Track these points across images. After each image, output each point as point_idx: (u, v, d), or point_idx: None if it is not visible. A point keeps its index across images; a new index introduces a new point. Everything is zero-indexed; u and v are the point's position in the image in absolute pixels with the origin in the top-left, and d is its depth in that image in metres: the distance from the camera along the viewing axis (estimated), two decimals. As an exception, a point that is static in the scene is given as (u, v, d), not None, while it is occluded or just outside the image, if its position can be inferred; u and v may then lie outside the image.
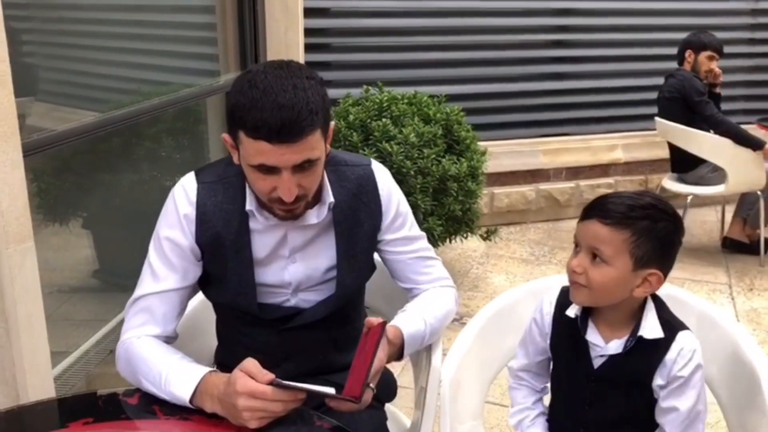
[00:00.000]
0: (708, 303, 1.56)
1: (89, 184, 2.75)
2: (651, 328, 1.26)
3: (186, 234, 1.34)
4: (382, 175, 1.47)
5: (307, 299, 1.44)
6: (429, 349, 1.51)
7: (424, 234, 1.56)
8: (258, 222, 1.36)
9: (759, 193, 3.88)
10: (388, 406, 1.64)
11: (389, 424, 1.53)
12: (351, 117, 3.15)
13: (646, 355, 1.26)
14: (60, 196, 2.66)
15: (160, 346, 1.32)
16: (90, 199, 2.76)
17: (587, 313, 1.31)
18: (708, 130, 3.85)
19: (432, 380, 1.44)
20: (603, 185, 4.77)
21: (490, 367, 1.62)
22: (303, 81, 1.21)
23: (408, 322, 1.41)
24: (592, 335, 1.30)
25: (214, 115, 3.22)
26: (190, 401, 1.18)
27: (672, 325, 1.27)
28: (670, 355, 1.24)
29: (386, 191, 1.45)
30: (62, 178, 2.65)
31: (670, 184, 4.17)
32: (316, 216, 1.37)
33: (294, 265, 1.41)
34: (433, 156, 3.07)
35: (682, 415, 1.24)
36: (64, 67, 2.67)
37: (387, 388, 1.55)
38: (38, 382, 1.49)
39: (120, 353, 1.33)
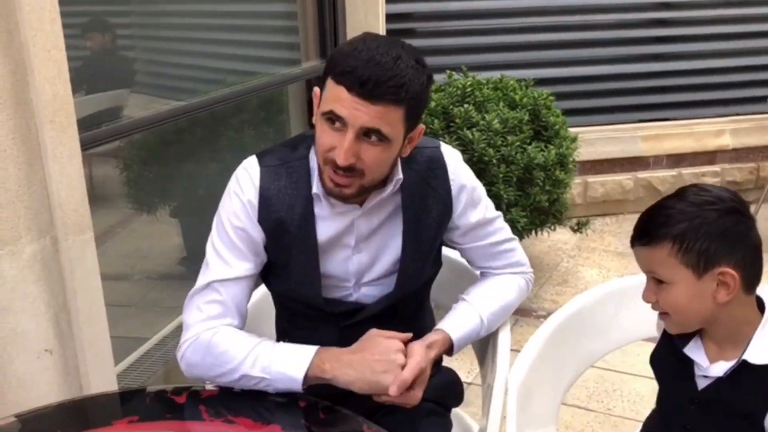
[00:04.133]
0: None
1: (177, 174, 2.82)
2: (761, 352, 1.08)
3: (251, 218, 1.30)
4: (453, 158, 1.38)
5: (370, 294, 1.38)
6: (495, 347, 1.40)
7: (500, 214, 1.47)
8: (323, 208, 1.31)
9: None
10: (456, 411, 1.55)
11: (455, 430, 1.44)
12: (433, 103, 3.04)
13: (754, 386, 1.09)
14: (149, 186, 2.73)
15: (246, 334, 1.29)
16: (177, 188, 2.83)
17: None
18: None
19: (498, 385, 1.33)
20: (708, 173, 4.44)
21: (567, 369, 1.49)
22: (410, 59, 1.18)
23: (460, 321, 1.36)
24: (695, 352, 1.16)
25: (294, 104, 3.21)
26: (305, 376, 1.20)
27: None
28: None
29: (456, 174, 1.37)
30: (151, 168, 2.72)
31: (785, 171, 3.83)
32: (381, 193, 1.30)
33: (358, 255, 1.35)
34: (518, 143, 2.92)
35: None
36: (154, 58, 2.74)
37: (451, 393, 1.46)
38: (101, 373, 1.49)
39: (194, 346, 1.27)
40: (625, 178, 4.37)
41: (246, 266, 1.31)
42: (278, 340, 1.49)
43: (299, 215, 1.29)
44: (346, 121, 1.17)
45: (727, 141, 4.47)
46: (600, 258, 3.77)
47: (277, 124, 3.24)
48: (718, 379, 1.11)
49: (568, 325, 1.46)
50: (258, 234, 1.30)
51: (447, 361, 1.44)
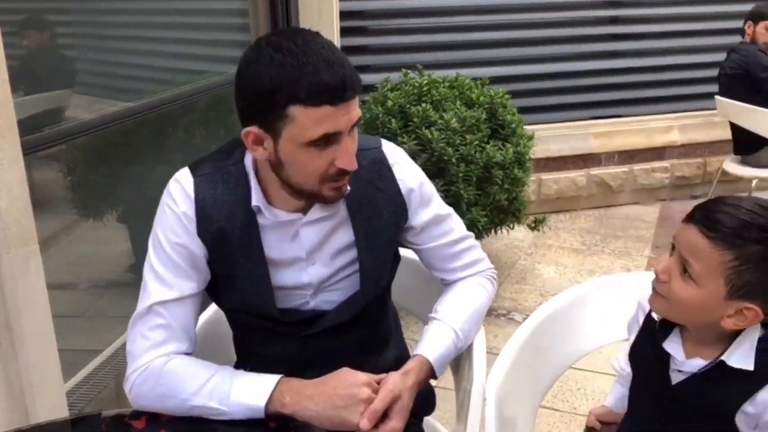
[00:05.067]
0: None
1: (124, 177, 2.71)
2: (740, 356, 1.05)
3: (189, 232, 1.21)
4: (396, 157, 1.32)
5: (329, 300, 1.30)
6: (470, 353, 1.36)
7: (452, 210, 1.42)
8: (266, 218, 1.23)
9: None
10: (427, 420, 1.49)
11: (428, 441, 1.38)
12: (389, 103, 2.99)
13: (728, 385, 1.06)
14: (95, 190, 2.61)
15: (200, 362, 1.21)
16: (125, 191, 2.72)
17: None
18: (774, 109, 3.59)
19: (476, 392, 1.29)
20: (658, 169, 4.52)
21: (544, 374, 1.45)
22: (323, 40, 1.11)
23: (435, 341, 1.30)
24: (673, 346, 1.12)
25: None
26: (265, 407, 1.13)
27: None
28: (765, 396, 1.03)
29: (402, 174, 1.31)
30: (96, 171, 2.60)
31: (732, 167, 3.93)
32: (324, 206, 1.23)
33: (313, 267, 1.27)
34: (477, 142, 2.89)
35: None
36: (98, 57, 2.62)
37: (424, 402, 1.40)
38: (48, 394, 1.38)
39: (143, 377, 1.17)
40: (578, 175, 4.40)
41: (189, 285, 1.22)
42: (238, 359, 1.41)
43: (241, 222, 1.21)
44: (341, 130, 1.11)
45: (675, 137, 4.55)
46: (556, 255, 3.78)
47: (228, 124, 3.15)
48: (693, 375, 1.09)
49: (544, 329, 1.42)
50: (198, 248, 1.21)
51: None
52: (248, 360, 1.36)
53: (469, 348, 1.38)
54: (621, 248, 3.86)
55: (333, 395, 1.14)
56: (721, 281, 1.01)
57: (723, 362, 1.05)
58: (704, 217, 1.02)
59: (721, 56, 3.91)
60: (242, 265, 1.23)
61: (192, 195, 1.21)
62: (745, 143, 3.80)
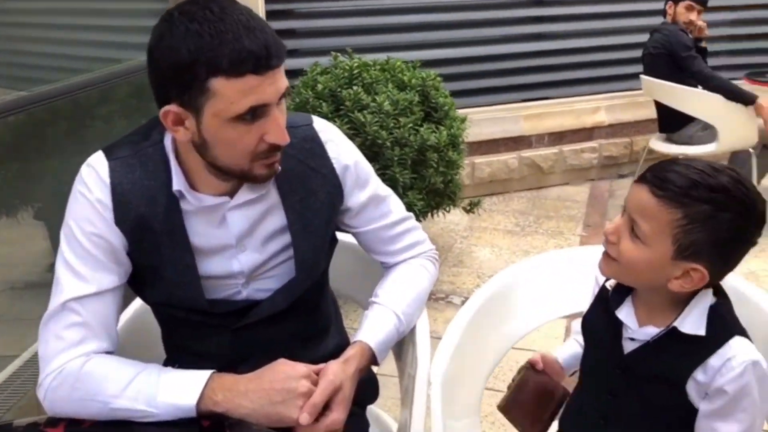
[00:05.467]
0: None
1: (40, 171, 2.54)
2: (692, 322, 1.04)
3: (105, 221, 1.11)
4: (329, 134, 1.25)
5: (263, 288, 1.22)
6: (413, 338, 1.31)
7: (391, 191, 1.37)
8: (189, 203, 1.14)
9: (751, 150, 3.72)
10: (371, 409, 1.44)
11: (373, 429, 1.33)
12: (320, 86, 2.91)
13: (680, 352, 1.05)
14: (7, 186, 2.45)
15: (123, 361, 1.11)
16: (41, 187, 2.56)
17: (629, 288, 1.11)
18: (696, 86, 3.68)
19: (420, 377, 1.24)
20: (587, 149, 4.59)
21: (488, 355, 1.43)
22: (240, 6, 1.04)
23: (375, 326, 1.25)
24: (626, 314, 1.10)
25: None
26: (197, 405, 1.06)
27: (726, 326, 1.05)
28: (715, 362, 1.02)
29: (337, 152, 1.24)
30: (8, 165, 2.44)
31: (657, 144, 4.01)
32: (253, 188, 1.16)
33: (244, 254, 1.19)
34: (410, 125, 2.85)
35: None
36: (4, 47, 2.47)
37: (366, 389, 1.35)
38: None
39: (58, 380, 1.07)
40: (509, 158, 4.43)
41: (108, 278, 1.12)
42: (168, 356, 1.32)
43: (163, 207, 1.12)
44: (269, 102, 1.04)
45: (603, 117, 4.63)
46: (491, 237, 3.80)
47: (149, 112, 3.02)
48: (646, 344, 1.08)
49: (484, 311, 1.38)
50: (117, 238, 1.12)
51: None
52: (179, 357, 1.28)
53: (412, 332, 1.33)
54: (554, 228, 3.90)
55: (269, 390, 1.07)
56: (669, 241, 1.00)
57: (675, 329, 1.04)
58: (654, 177, 1.01)
59: (644, 37, 3.98)
60: (166, 255, 1.14)
61: (107, 180, 1.11)
62: (669, 121, 3.88)
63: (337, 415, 1.10)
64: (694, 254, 0.99)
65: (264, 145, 1.07)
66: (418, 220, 2.94)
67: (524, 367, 1.32)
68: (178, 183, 1.12)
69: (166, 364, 1.29)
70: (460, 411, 1.36)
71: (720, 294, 1.08)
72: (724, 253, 1.00)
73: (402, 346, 1.38)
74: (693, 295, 1.06)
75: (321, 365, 1.15)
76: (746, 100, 3.55)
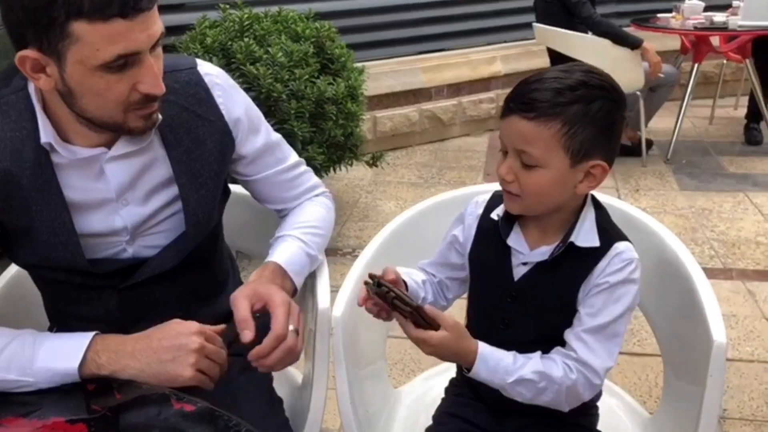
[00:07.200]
0: (631, 206, 1.40)
1: None
2: (586, 235, 1.06)
3: None
4: (216, 78, 1.17)
5: (151, 245, 1.15)
6: (314, 290, 1.28)
7: (280, 136, 1.32)
8: (61, 156, 1.05)
9: (638, 93, 3.86)
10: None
11: (276, 385, 1.30)
12: (209, 40, 2.78)
13: (574, 267, 1.07)
14: None
15: None
16: None
17: (515, 216, 1.11)
18: (587, 33, 3.77)
19: (321, 324, 1.21)
20: (485, 100, 4.65)
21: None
22: None
23: (281, 249, 1.21)
24: (516, 240, 1.11)
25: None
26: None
27: (610, 234, 1.08)
28: (601, 265, 1.05)
29: (225, 97, 1.17)
30: None
31: (552, 92, 4.09)
32: (133, 139, 1.07)
33: (126, 209, 1.11)
34: (307, 77, 2.78)
35: (593, 327, 1.04)
36: None
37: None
38: None
39: None
40: (410, 111, 4.43)
41: None
42: (51, 323, 1.24)
43: (30, 162, 1.03)
44: (141, 50, 0.95)
45: (499, 68, 4.68)
46: (396, 190, 3.80)
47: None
48: (538, 264, 1.08)
49: (380, 257, 1.37)
50: None
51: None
52: (63, 323, 1.19)
53: (313, 284, 1.29)
54: (456, 178, 3.94)
55: (158, 348, 1.01)
56: (561, 152, 1.00)
57: (572, 243, 1.06)
58: (520, 103, 1.01)
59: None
60: (38, 213, 1.05)
61: None
62: (562, 68, 3.97)
63: (292, 342, 1.07)
64: (587, 153, 1.01)
65: (137, 95, 0.99)
66: (319, 175, 2.88)
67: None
68: (46, 135, 1.02)
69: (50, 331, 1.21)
70: (365, 357, 1.35)
71: (596, 203, 1.11)
72: (609, 137, 1.03)
73: (303, 298, 1.35)
74: (580, 210, 1.08)
75: (218, 327, 1.09)
76: (633, 44, 3.67)
